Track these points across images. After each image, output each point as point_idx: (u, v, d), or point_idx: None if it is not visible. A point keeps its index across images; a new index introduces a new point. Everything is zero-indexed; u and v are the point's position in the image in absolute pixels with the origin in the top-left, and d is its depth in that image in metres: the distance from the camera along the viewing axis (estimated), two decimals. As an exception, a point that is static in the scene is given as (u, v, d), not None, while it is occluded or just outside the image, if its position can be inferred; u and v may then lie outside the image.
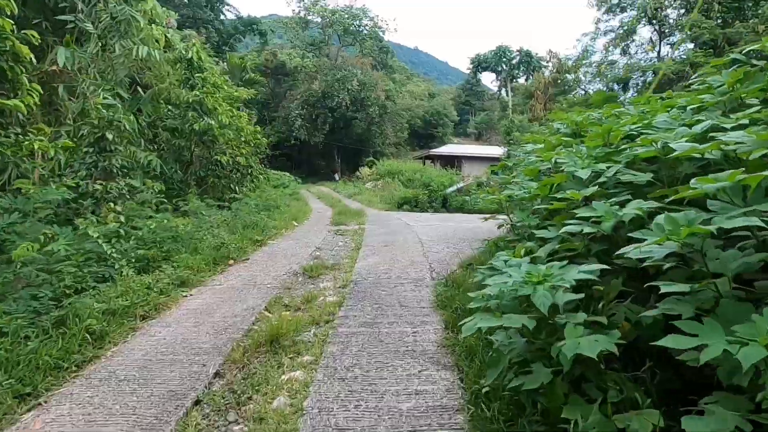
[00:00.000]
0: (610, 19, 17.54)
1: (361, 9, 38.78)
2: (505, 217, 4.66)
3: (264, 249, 5.83)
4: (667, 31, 15.47)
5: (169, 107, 7.33)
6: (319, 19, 40.09)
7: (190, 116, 6.92)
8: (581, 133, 4.01)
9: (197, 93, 7.07)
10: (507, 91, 49.61)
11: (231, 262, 4.98)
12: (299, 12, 38.97)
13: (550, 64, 16.04)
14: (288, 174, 20.36)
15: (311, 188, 26.88)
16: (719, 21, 13.58)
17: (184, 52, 7.42)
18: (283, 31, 42.12)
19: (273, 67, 43.26)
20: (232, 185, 8.24)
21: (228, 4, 38.38)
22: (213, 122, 7.03)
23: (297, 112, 33.51)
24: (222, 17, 37.89)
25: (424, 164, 37.40)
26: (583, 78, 15.49)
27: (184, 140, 7.12)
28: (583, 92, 16.51)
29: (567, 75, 15.43)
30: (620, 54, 17.16)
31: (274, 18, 45.00)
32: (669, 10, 14.31)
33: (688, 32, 13.12)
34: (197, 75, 7.56)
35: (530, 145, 5.77)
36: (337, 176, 37.41)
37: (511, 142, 28.87)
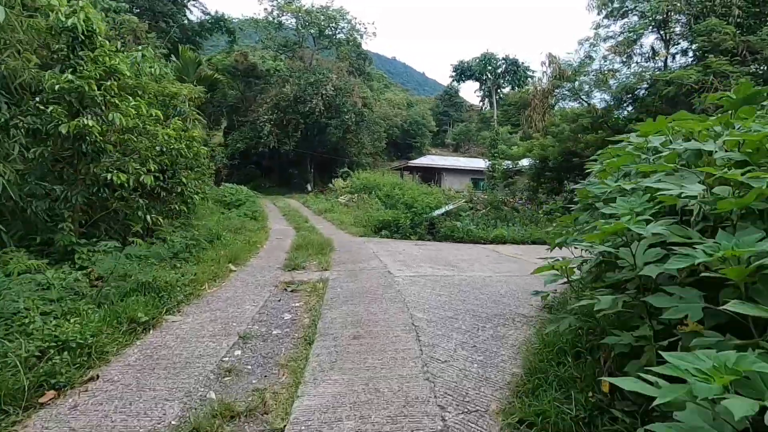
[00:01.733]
0: (610, 24, 15.90)
1: (338, 11, 36.58)
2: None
3: (138, 346, 3.28)
4: (674, 38, 13.87)
5: (37, 98, 4.83)
6: (293, 20, 37.69)
7: (55, 112, 4.43)
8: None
9: (70, 78, 4.59)
10: (492, 101, 48.27)
11: (44, 398, 2.49)
12: (272, 11, 36.44)
13: (549, 69, 14.26)
14: (245, 188, 17.70)
15: (279, 201, 24.25)
16: (738, 28, 11.95)
17: (63, 18, 4.94)
18: (254, 30, 39.48)
19: (243, 69, 40.52)
20: (141, 213, 5.72)
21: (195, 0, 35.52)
22: (91, 122, 4.55)
23: (266, 117, 30.86)
24: (187, 12, 34.97)
25: (402, 176, 35.30)
26: (584, 87, 13.66)
27: (44, 147, 4.60)
28: (579, 103, 14.70)
29: (566, 83, 13.59)
30: (621, 62, 15.52)
31: (245, 19, 42.32)
32: (679, 15, 12.65)
33: (705, 39, 11.42)
34: (83, 52, 5.08)
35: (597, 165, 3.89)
36: (309, 187, 34.87)
37: (495, 155, 27.18)
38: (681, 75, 11.30)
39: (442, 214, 11.52)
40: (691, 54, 13.07)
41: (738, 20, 12.18)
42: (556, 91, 14.33)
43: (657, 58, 15.58)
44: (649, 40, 15.34)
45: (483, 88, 52.82)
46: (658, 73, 12.05)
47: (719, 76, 11.05)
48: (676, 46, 14.11)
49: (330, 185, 26.75)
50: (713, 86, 10.98)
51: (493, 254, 8.33)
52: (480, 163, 33.69)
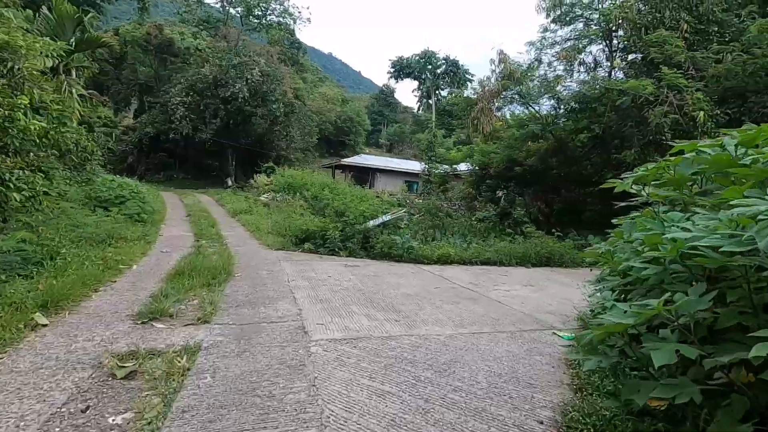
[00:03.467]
0: (557, 30, 15.19)
1: (269, -11, 33.40)
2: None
3: None
4: (621, 49, 13.35)
5: None
6: (218, -6, 33.79)
7: None
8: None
9: None
10: (431, 102, 47.58)
11: None
12: (193, -19, 32.30)
13: (499, 68, 13.09)
14: (132, 181, 14.44)
15: (188, 197, 20.88)
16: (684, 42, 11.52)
17: None
18: (171, 0, 34.89)
19: (158, 44, 35.67)
20: None
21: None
22: None
23: (179, 99, 26.94)
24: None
25: (334, 175, 33.14)
26: (533, 92, 12.64)
27: None
28: (527, 108, 13.72)
29: (515, 86, 12.47)
30: (564, 70, 14.85)
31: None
32: (627, 25, 12.03)
33: (657, 51, 10.80)
34: None
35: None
36: (230, 181, 31.36)
37: (432, 158, 26.07)
38: (636, 86, 10.56)
39: (379, 225, 9.66)
40: (639, 65, 12.55)
41: (685, 35, 11.81)
42: (504, 93, 13.19)
43: (600, 68, 15.14)
44: (594, 49, 14.87)
45: (422, 88, 52.05)
46: (611, 81, 11.27)
47: (672, 89, 10.45)
48: (622, 57, 13.64)
49: (251, 181, 23.80)
50: (668, 99, 10.35)
51: (444, 284, 6.62)
52: (415, 166, 32.54)
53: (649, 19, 12.29)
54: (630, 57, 13.46)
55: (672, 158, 2.83)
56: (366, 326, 4.12)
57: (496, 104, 13.45)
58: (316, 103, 49.42)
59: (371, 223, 9.64)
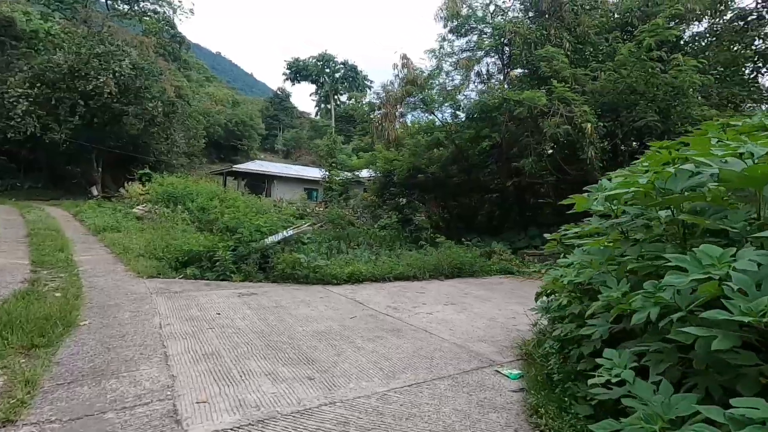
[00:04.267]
0: (454, 40, 15.47)
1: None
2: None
3: None
4: (513, 62, 14.00)
5: None
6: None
7: None
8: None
9: None
10: (330, 107, 46.47)
11: None
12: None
13: (403, 72, 12.75)
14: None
15: (33, 212, 16.94)
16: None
17: None
18: (10, -29, 28.87)
19: (-8, 23, 29.13)
20: None
21: None
22: None
23: (21, 90, 22.05)
24: None
25: (226, 183, 30.35)
26: (436, 99, 12.56)
27: None
28: (430, 115, 13.64)
29: (418, 93, 12.24)
30: (461, 80, 15.19)
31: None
32: (519, 40, 12.61)
33: (547, 65, 11.41)
34: None
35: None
36: (95, 191, 26.75)
37: (333, 164, 25.21)
38: (532, 97, 10.96)
39: (279, 242, 8.43)
40: (530, 79, 13.22)
41: (567, 52, 12.73)
42: (408, 99, 12.88)
43: (493, 79, 15.78)
44: (489, 61, 15.43)
45: (320, 92, 50.70)
46: (509, 92, 11.60)
47: (562, 101, 11.06)
48: (514, 70, 14.32)
49: (122, 191, 20.34)
50: (559, 111, 10.92)
51: (360, 310, 5.74)
52: (314, 172, 31.34)
53: (537, 36, 13.01)
54: (519, 71, 14.16)
55: (654, 171, 2.33)
56: (270, 395, 3.02)
57: (400, 110, 13.10)
58: (204, 104, 45.26)
59: (270, 239, 8.37)
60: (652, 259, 2.34)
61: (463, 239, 13.25)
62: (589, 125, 10.34)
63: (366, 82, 46.02)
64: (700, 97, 12.78)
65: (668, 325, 1.69)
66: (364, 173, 21.70)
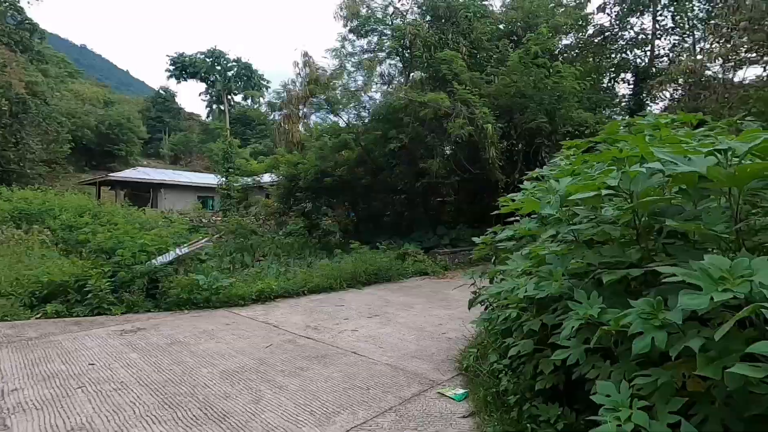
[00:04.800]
0: (355, 40, 15.23)
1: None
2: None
3: None
4: (414, 65, 14.21)
5: None
6: None
7: None
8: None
9: None
10: (224, 108, 42.99)
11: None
12: None
13: (305, 71, 12.04)
14: None
15: None
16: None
17: None
18: None
19: None
20: None
21: None
22: None
23: None
24: None
25: (100, 194, 26.45)
26: (341, 100, 12.14)
27: None
28: (335, 116, 13.22)
29: (321, 94, 11.72)
30: (363, 81, 15.03)
31: None
32: (419, 42, 12.84)
33: (447, 68, 11.76)
34: None
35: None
36: None
37: (231, 170, 23.29)
38: (436, 98, 11.11)
39: (172, 262, 7.23)
40: (432, 81, 13.49)
41: (464, 57, 13.23)
42: (312, 99, 12.24)
43: (396, 81, 15.88)
44: (391, 62, 15.46)
45: (211, 91, 46.59)
46: (414, 93, 11.63)
47: (464, 103, 11.41)
48: (415, 72, 14.51)
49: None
50: (462, 113, 11.23)
51: (276, 336, 5.03)
52: (209, 179, 28.74)
53: (436, 39, 13.31)
54: (420, 73, 14.38)
55: (613, 168, 2.15)
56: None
57: (304, 110, 12.40)
58: (67, 103, 38.95)
59: (160, 260, 7.12)
60: (614, 266, 2.16)
61: (372, 242, 13.07)
62: (489, 126, 10.78)
63: (263, 81, 43.54)
64: (576, 102, 14.16)
65: (669, 349, 1.44)
66: (266, 178, 20.42)
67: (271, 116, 14.23)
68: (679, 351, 1.39)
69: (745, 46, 14.17)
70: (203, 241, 8.22)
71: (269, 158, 19.29)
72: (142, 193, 27.51)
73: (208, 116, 53.35)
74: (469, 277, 4.23)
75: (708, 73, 17.01)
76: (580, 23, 18.86)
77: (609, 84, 20.53)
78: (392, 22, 14.60)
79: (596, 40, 20.74)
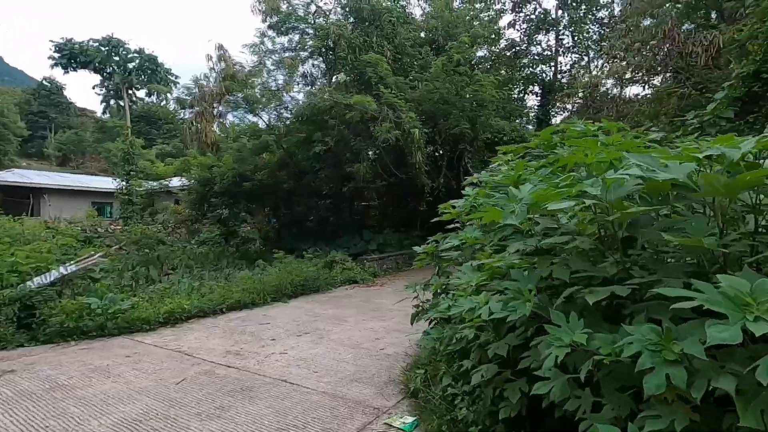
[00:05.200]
0: (275, 37, 14.48)
1: None
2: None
3: None
4: (338, 64, 13.86)
5: None
6: None
7: None
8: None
9: None
10: (124, 104, 38.41)
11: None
12: None
13: (220, 66, 11.01)
14: None
15: None
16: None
17: None
18: None
19: None
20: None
21: None
22: None
23: None
24: None
25: (-38, 200, 22.11)
26: (261, 99, 11.35)
27: None
28: (254, 116, 12.40)
29: (238, 93, 10.86)
30: (284, 81, 14.34)
31: None
32: (343, 43, 12.56)
33: (372, 71, 11.64)
34: None
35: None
36: None
37: (132, 172, 20.80)
38: (363, 101, 10.84)
39: (54, 283, 6.01)
40: (357, 83, 13.21)
41: (389, 61, 13.16)
42: (228, 96, 11.25)
43: (319, 82, 15.36)
44: (314, 62, 14.92)
45: (107, 84, 41.29)
46: (340, 95, 11.23)
47: (390, 107, 11.28)
48: (340, 73, 14.13)
49: None
50: (388, 116, 11.09)
51: (191, 367, 4.30)
52: (106, 183, 25.53)
53: (361, 41, 13.06)
54: (344, 75, 14.05)
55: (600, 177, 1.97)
56: None
57: (219, 108, 11.37)
58: None
59: (37, 281, 5.88)
60: (584, 281, 1.98)
61: (296, 249, 12.44)
62: (417, 131, 10.77)
63: (170, 76, 39.60)
64: (494, 110, 14.80)
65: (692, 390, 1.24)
66: (175, 182, 18.56)
67: (181, 114, 12.86)
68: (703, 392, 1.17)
69: (631, 68, 15.96)
70: (97, 256, 6.99)
71: (179, 160, 17.56)
72: (19, 200, 23.59)
73: (104, 113, 47.61)
74: (412, 290, 3.93)
75: (603, 89, 18.93)
76: (493, 37, 19.95)
77: (519, 95, 22.02)
78: (315, 21, 14.08)
79: (507, 54, 22.17)
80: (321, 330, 5.69)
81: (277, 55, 14.48)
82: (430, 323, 3.86)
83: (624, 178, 1.70)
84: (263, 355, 4.67)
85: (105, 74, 38.85)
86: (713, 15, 11.34)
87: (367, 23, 13.66)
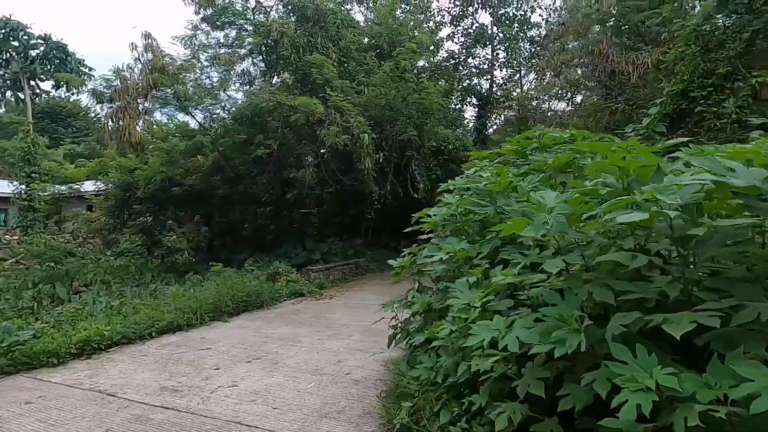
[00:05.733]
0: (209, 32, 13.47)
1: None
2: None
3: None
4: (280, 64, 13.18)
5: None
6: None
7: None
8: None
9: None
10: (25, 96, 33.54)
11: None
12: None
13: (147, 56, 9.79)
14: None
15: None
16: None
17: None
18: None
19: None
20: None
21: None
22: None
23: None
24: None
25: None
26: (194, 96, 10.36)
27: None
28: (186, 115, 11.36)
29: (171, 85, 9.81)
30: (218, 78, 13.35)
31: None
32: (286, 42, 11.97)
33: (318, 72, 11.20)
34: None
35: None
36: None
37: (35, 174, 18.11)
38: (308, 103, 10.27)
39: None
40: (301, 85, 12.58)
41: (334, 63, 12.70)
42: (155, 92, 10.06)
43: (257, 82, 14.49)
44: (254, 60, 14.02)
45: (4, 73, 35.66)
46: (284, 96, 10.54)
47: (338, 111, 10.83)
48: (283, 73, 13.37)
49: None
50: (336, 120, 10.62)
51: (116, 416, 3.49)
52: (4, 186, 22.09)
53: (305, 41, 12.48)
54: (288, 75, 13.36)
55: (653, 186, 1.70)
56: None
57: (145, 104, 10.14)
58: None
59: None
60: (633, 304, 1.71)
61: (233, 260, 11.52)
62: (366, 136, 10.41)
63: (83, 68, 35.21)
64: (438, 119, 14.88)
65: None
66: (88, 186, 16.48)
67: (95, 110, 11.36)
68: None
69: (559, 84, 16.98)
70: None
71: (93, 162, 15.56)
72: None
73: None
74: (390, 310, 3.52)
75: (534, 102, 19.98)
76: (431, 48, 20.31)
77: (458, 106, 22.61)
78: (254, 17, 13.25)
79: (446, 65, 22.70)
80: (274, 354, 5.05)
81: (212, 51, 13.41)
82: (409, 345, 3.46)
83: (700, 183, 1.44)
84: (208, 389, 3.97)
85: (1, 61, 33.68)
86: (636, 38, 12.30)
87: (311, 23, 13.11)
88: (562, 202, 1.86)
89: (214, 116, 12.02)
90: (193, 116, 11.47)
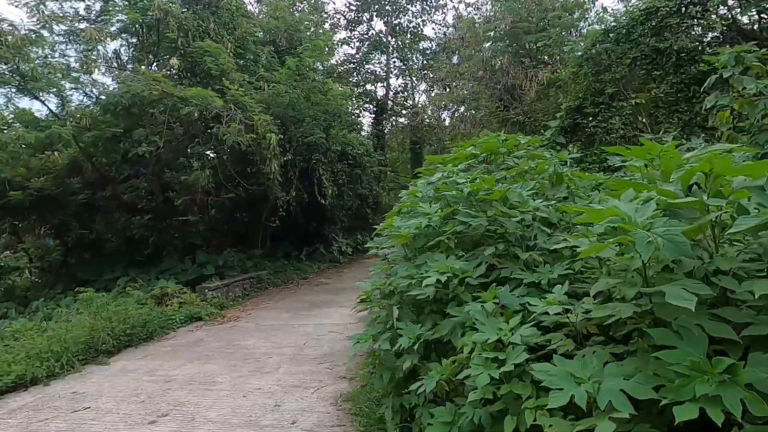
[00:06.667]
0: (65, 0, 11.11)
1: None
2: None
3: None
4: (162, 47, 11.41)
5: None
6: None
7: None
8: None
9: None
10: None
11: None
12: None
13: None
14: None
15: None
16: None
17: None
18: None
19: None
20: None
21: None
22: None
23: None
24: None
25: None
26: (44, 75, 8.20)
27: None
28: (34, 99, 9.11)
29: (12, 59, 7.62)
30: (78, 59, 11.05)
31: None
32: (172, 23, 10.44)
33: (213, 62, 10.02)
34: None
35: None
36: None
37: None
38: (204, 95, 8.91)
39: None
40: (191, 75, 10.93)
41: (230, 54, 11.33)
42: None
43: (129, 67, 12.26)
44: (125, 41, 11.80)
45: None
46: (172, 86, 8.91)
47: (239, 107, 9.61)
48: (163, 59, 11.44)
49: None
50: (237, 117, 9.39)
51: None
52: None
53: (195, 25, 10.91)
54: (175, 61, 11.52)
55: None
56: None
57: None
58: None
59: None
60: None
61: (95, 280, 9.54)
62: (273, 136, 9.40)
63: None
64: (341, 122, 14.40)
65: None
66: None
67: None
68: None
69: (445, 100, 17.93)
70: None
71: None
72: None
73: None
74: (360, 346, 2.86)
75: (429, 112, 20.82)
76: (327, 51, 19.83)
77: (357, 111, 22.45)
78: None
79: (343, 69, 22.42)
80: (185, 405, 3.95)
81: (68, 23, 10.89)
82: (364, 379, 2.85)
83: None
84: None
85: None
86: (526, 57, 13.42)
87: (201, 6, 11.53)
88: (660, 216, 1.50)
89: (76, 104, 9.71)
90: (43, 102, 9.05)
